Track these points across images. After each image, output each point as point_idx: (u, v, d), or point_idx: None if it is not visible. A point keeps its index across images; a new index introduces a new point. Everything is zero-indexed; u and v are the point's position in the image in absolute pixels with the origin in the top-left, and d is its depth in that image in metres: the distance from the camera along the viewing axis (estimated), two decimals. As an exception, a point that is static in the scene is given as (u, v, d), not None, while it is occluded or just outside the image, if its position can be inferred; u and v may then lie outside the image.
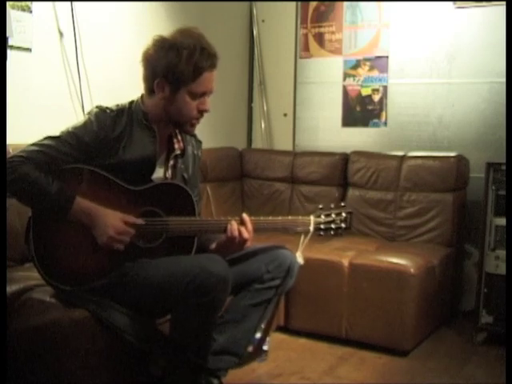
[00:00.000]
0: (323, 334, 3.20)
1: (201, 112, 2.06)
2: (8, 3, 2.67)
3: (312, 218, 2.18)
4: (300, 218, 2.19)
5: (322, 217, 2.19)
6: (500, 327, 3.07)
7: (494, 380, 2.75)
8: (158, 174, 2.12)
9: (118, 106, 2.07)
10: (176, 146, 2.17)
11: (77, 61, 3.08)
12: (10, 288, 2.06)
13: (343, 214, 2.21)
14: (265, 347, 2.85)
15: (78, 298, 1.98)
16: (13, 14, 2.73)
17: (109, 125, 2.00)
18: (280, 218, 2.17)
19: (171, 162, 2.16)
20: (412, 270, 3.01)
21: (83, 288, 1.98)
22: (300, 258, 2.20)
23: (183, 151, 2.19)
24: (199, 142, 2.30)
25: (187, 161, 2.21)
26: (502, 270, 3.05)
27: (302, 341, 3.22)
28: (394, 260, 3.08)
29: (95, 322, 1.95)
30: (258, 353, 2.28)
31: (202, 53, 1.98)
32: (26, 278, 2.17)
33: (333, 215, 2.20)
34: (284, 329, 3.29)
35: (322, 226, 2.18)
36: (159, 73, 1.99)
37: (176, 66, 1.96)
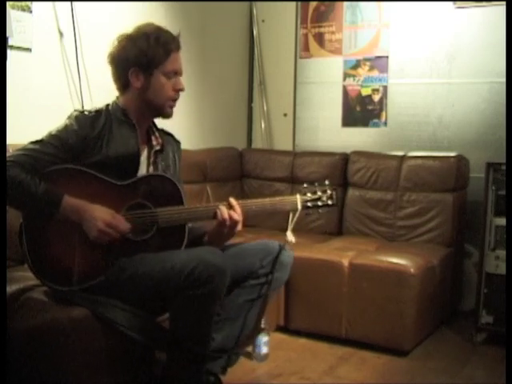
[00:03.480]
0: (323, 334, 3.20)
1: (177, 91, 2.15)
2: (8, 3, 2.67)
3: (298, 196, 2.25)
4: (286, 197, 2.28)
5: (308, 194, 2.27)
6: (500, 327, 3.07)
7: (494, 380, 2.75)
8: (141, 171, 2.16)
9: (95, 108, 2.16)
10: (154, 142, 2.24)
11: (77, 61, 3.08)
12: (10, 288, 2.06)
13: (328, 192, 2.29)
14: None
15: (77, 298, 1.98)
16: (13, 14, 2.73)
17: (89, 124, 2.07)
18: (268, 199, 2.23)
19: (152, 158, 2.22)
20: (412, 270, 3.01)
21: (81, 287, 1.99)
22: (291, 237, 2.24)
23: (162, 146, 2.24)
24: (178, 142, 2.36)
25: (167, 159, 2.26)
26: (502, 270, 3.05)
27: (302, 341, 3.22)
28: (394, 260, 3.08)
29: (95, 321, 1.95)
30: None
31: (167, 35, 2.14)
32: (25, 278, 2.16)
33: (318, 192, 2.28)
34: (284, 329, 3.29)
35: (309, 204, 2.26)
36: (132, 62, 2.10)
37: (147, 50, 2.09)
